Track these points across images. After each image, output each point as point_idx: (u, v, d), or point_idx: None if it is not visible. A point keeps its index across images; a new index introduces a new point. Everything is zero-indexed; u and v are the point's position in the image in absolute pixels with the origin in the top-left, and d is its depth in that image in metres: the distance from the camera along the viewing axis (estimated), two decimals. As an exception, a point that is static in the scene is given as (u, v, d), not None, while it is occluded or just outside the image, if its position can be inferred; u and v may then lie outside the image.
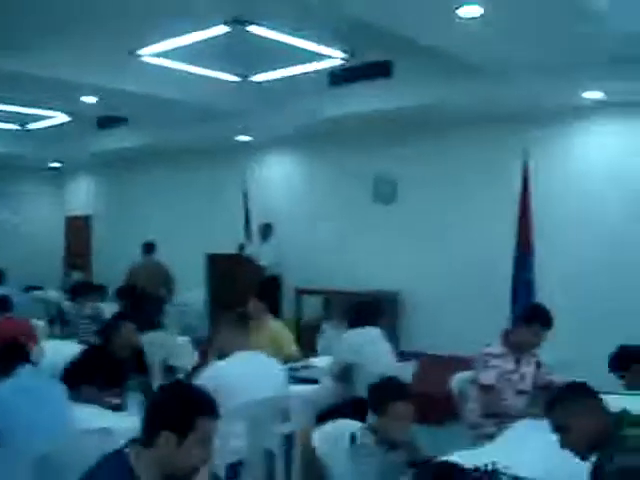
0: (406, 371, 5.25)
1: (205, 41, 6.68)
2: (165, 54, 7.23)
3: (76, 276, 13.11)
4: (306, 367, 5.52)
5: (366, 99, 8.58)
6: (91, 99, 9.00)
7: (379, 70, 8.31)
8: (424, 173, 9.31)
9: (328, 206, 10.33)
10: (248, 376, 4.09)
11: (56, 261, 14.30)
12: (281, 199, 10.96)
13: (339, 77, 8.65)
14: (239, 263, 9.56)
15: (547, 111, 7.99)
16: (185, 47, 6.91)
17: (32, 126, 11.42)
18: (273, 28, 6.43)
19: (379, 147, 9.71)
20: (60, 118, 10.75)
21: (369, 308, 5.49)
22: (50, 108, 10.09)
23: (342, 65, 8.07)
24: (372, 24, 5.95)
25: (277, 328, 6.13)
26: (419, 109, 8.37)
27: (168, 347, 6.27)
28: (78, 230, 15.10)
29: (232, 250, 10.24)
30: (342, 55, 7.35)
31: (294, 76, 8.14)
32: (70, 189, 15.51)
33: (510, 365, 4.27)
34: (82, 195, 15.15)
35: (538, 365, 4.40)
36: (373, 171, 9.78)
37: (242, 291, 9.27)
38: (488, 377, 4.18)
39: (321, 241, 10.23)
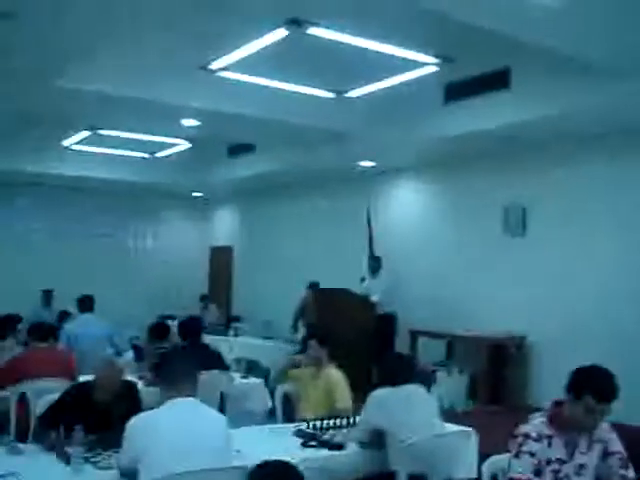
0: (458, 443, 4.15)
1: (279, 52, 6.01)
2: (241, 68, 6.66)
3: (212, 310, 12.93)
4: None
5: (486, 114, 7.46)
6: (191, 122, 8.60)
7: (496, 80, 7.24)
8: (555, 200, 7.96)
9: (451, 238, 9.20)
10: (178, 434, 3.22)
11: (195, 291, 14.14)
12: (401, 230, 9.96)
13: (453, 91, 7.67)
14: (346, 297, 8.67)
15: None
16: (260, 58, 6.27)
17: (163, 154, 11.37)
18: (343, 30, 5.59)
19: (507, 171, 8.48)
20: (182, 146, 10.58)
21: (401, 361, 4.42)
22: (166, 134, 9.90)
23: (450, 79, 7.18)
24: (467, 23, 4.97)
25: (335, 378, 5.25)
26: (543, 122, 7.12)
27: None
28: (221, 261, 14.99)
29: (353, 284, 9.37)
30: (435, 60, 6.34)
31: (400, 92, 7.25)
32: (215, 219, 15.47)
33: (558, 452, 3.05)
34: (225, 225, 15.03)
35: (606, 453, 3.13)
36: (502, 199, 8.52)
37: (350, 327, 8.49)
38: (522, 468, 3.00)
39: (442, 277, 9.12)
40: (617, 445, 3.16)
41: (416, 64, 6.49)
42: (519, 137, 7.75)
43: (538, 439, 3.03)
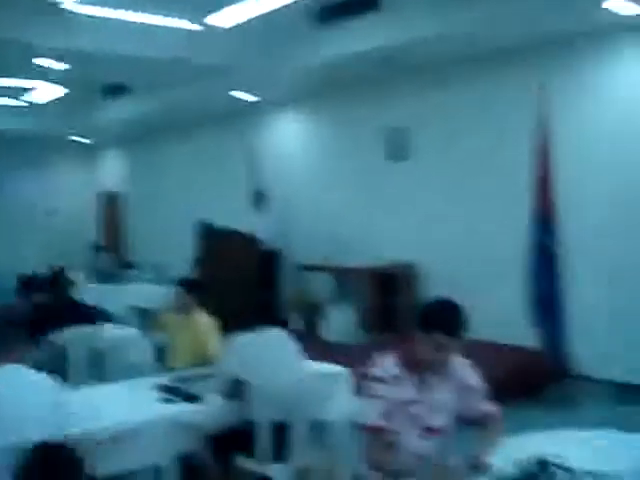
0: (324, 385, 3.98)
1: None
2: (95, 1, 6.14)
3: (102, 257, 12.45)
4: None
5: (359, 36, 7.16)
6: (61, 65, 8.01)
7: (366, 2, 6.95)
8: (437, 123, 7.77)
9: (336, 169, 8.97)
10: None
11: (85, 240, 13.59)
12: (285, 164, 9.68)
13: (325, 16, 7.32)
14: (229, 237, 8.35)
15: (564, 35, 6.34)
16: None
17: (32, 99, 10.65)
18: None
19: (386, 96, 8.24)
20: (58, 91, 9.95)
21: (264, 305, 4.18)
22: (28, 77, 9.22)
23: (321, 3, 6.85)
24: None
25: (204, 325, 5.02)
26: (414, 46, 6.89)
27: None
28: (110, 207, 14.44)
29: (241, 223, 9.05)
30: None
31: (272, 21, 6.89)
32: (101, 165, 14.83)
33: (410, 392, 2.89)
34: (111, 171, 14.43)
35: (461, 388, 2.97)
36: (384, 125, 8.30)
37: (233, 267, 8.23)
38: (372, 413, 2.83)
39: (329, 209, 8.92)
40: (473, 379, 3.01)
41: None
42: (395, 60, 7.49)
43: (387, 380, 2.84)
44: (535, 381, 6.11)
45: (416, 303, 7.93)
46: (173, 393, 3.99)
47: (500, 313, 6.95)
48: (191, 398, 3.92)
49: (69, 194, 14.48)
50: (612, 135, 6.30)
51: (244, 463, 3.84)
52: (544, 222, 6.06)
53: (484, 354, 6.68)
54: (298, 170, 9.50)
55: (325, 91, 8.84)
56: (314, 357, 6.58)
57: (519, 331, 6.29)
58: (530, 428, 2.95)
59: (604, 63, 6.34)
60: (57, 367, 4.39)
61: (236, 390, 3.84)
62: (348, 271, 8.11)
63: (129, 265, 12.51)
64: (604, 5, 5.59)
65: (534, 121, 6.05)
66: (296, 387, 3.79)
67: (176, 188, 11.87)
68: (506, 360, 6.46)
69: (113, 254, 12.93)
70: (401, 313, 7.92)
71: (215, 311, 7.92)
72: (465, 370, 3.01)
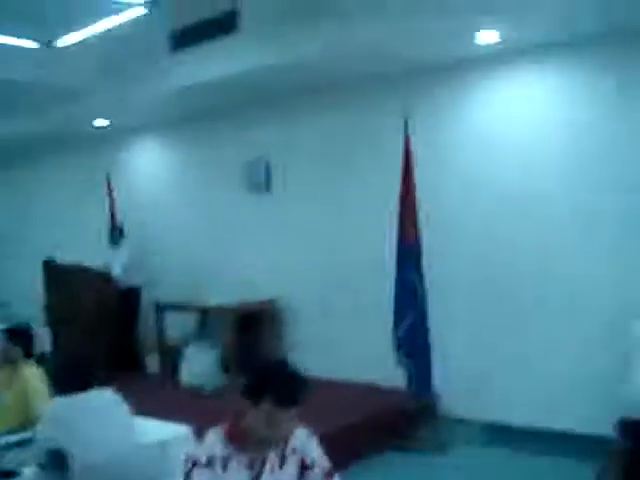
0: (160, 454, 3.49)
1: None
2: None
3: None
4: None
5: (215, 62, 6.74)
6: None
7: (222, 24, 6.56)
8: (300, 154, 7.45)
9: (197, 202, 8.49)
10: None
11: None
12: (144, 196, 9.11)
13: (179, 38, 6.87)
14: (80, 274, 7.71)
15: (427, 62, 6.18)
16: None
17: None
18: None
19: (247, 125, 7.86)
20: None
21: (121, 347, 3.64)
22: None
23: (175, 24, 6.34)
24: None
25: (31, 379, 4.42)
26: (272, 73, 6.56)
27: None
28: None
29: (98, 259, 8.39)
30: (141, 1, 5.53)
31: (123, 42, 6.37)
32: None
33: (239, 475, 2.42)
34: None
35: (304, 467, 2.55)
36: (244, 155, 7.89)
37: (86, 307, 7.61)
38: None
39: (191, 244, 8.43)
40: (316, 454, 2.58)
41: (123, 5, 5.64)
42: (254, 87, 7.13)
43: (210, 464, 2.39)
44: (403, 424, 5.85)
45: (279, 342, 7.58)
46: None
47: (367, 352, 6.68)
48: (4, 474, 3.35)
49: None
50: (469, 165, 6.17)
51: None
52: (408, 256, 5.83)
53: (348, 396, 6.46)
54: (155, 202, 8.94)
55: (183, 119, 8.38)
56: (169, 403, 6.12)
57: (388, 371, 6.00)
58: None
59: (466, 91, 6.21)
60: None
61: (55, 461, 3.30)
62: (209, 310, 7.62)
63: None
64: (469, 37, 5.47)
65: (399, 149, 5.86)
66: (126, 458, 3.30)
67: (33, 221, 11.00)
68: (374, 401, 6.18)
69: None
70: (265, 352, 7.52)
71: (62, 359, 7.28)
72: (306, 445, 2.57)
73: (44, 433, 3.34)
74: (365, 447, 5.56)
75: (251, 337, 7.47)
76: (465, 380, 6.07)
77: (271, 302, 7.47)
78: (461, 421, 6.06)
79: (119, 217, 8.78)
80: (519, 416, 5.81)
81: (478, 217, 6.09)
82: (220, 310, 7.36)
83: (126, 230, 8.55)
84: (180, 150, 8.74)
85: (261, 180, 7.71)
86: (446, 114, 6.29)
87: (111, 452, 3.25)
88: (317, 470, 2.54)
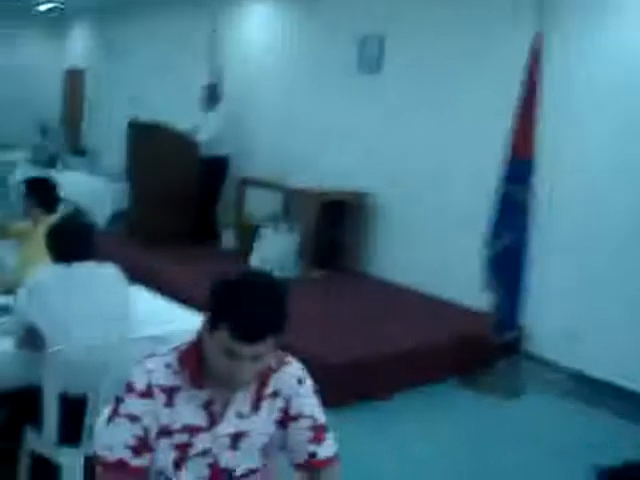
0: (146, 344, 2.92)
1: None
2: None
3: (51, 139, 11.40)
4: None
5: None
6: None
7: None
8: (414, 31, 6.45)
9: (303, 76, 7.65)
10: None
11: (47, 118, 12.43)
12: (248, 60, 8.33)
13: None
14: (164, 134, 7.16)
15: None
16: None
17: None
18: None
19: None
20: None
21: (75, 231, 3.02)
22: None
23: None
24: None
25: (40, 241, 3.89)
26: None
27: None
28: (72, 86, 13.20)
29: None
30: None
31: None
32: (69, 38, 13.47)
33: (190, 415, 1.77)
34: (79, 45, 13.09)
35: (287, 417, 1.86)
36: (358, 30, 6.95)
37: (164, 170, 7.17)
38: (115, 441, 1.73)
39: (288, 120, 7.71)
40: (307, 404, 1.88)
41: None
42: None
43: (148, 393, 1.75)
44: (478, 354, 5.10)
45: (366, 239, 6.90)
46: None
47: (451, 267, 5.92)
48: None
49: (37, 69, 13.26)
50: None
51: (32, 441, 2.85)
52: (519, 171, 4.88)
53: (420, 311, 5.77)
54: (259, 69, 8.19)
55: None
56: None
57: (474, 292, 5.21)
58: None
59: None
60: None
61: (32, 340, 2.80)
62: (294, 192, 6.96)
63: (80, 151, 11.44)
64: None
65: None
66: (108, 351, 2.75)
67: (136, 70, 10.60)
68: (450, 323, 5.46)
69: (62, 137, 11.83)
70: (348, 249, 6.88)
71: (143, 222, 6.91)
72: (295, 389, 1.88)
73: (20, 305, 2.82)
74: (428, 373, 4.90)
75: (333, 228, 6.82)
76: (561, 320, 5.23)
77: (359, 195, 6.75)
78: (546, 364, 5.27)
79: (218, 77, 8.09)
80: (610, 371, 4.95)
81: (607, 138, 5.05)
82: (304, 194, 6.69)
83: (223, 94, 7.89)
84: (293, 15, 7.88)
85: (373, 60, 6.81)
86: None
87: (92, 341, 2.71)
88: (304, 423, 1.87)
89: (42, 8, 12.29)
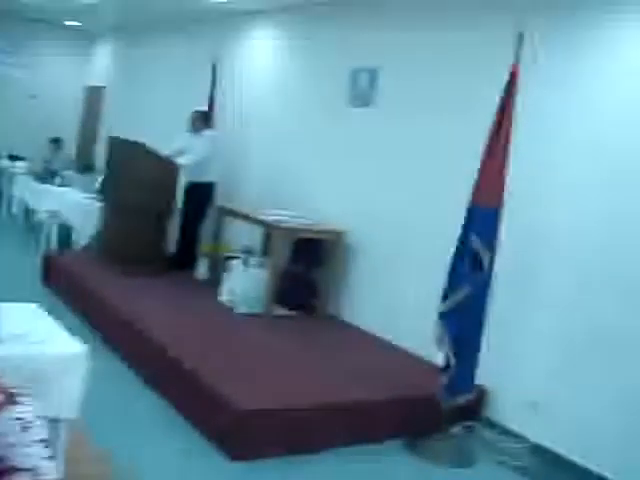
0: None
1: None
2: None
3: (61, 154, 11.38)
4: None
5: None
6: None
7: None
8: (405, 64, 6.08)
9: (296, 105, 7.32)
10: None
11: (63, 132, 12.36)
12: (243, 88, 8.09)
13: None
14: (139, 152, 6.89)
15: None
16: None
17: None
18: None
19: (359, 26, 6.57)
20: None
21: None
22: None
23: None
24: None
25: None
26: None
27: None
28: (92, 102, 13.17)
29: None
30: None
31: None
32: (94, 55, 13.49)
33: None
34: (100, 63, 13.09)
35: None
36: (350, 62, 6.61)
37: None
38: None
39: (275, 152, 7.41)
40: None
41: None
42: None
43: None
44: (428, 415, 4.63)
45: (337, 280, 6.46)
46: None
47: (411, 316, 5.49)
48: None
49: (59, 83, 13.28)
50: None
51: None
52: (478, 219, 4.39)
53: (379, 362, 5.31)
54: (251, 99, 7.93)
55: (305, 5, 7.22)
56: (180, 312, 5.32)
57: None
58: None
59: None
60: None
61: None
62: (269, 226, 6.53)
63: (89, 167, 11.32)
64: None
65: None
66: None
67: (147, 90, 10.49)
68: (398, 377, 5.01)
69: (73, 153, 11.77)
70: (321, 289, 6.46)
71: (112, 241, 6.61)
72: None
73: None
74: (368, 431, 4.45)
75: (307, 266, 6.43)
76: (528, 386, 4.73)
77: (337, 233, 6.34)
78: (507, 433, 4.77)
79: (211, 106, 7.88)
80: (574, 449, 4.42)
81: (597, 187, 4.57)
82: (278, 228, 6.31)
83: (214, 122, 7.65)
84: (292, 41, 7.61)
85: (365, 92, 6.45)
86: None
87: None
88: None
89: (67, 23, 12.34)
